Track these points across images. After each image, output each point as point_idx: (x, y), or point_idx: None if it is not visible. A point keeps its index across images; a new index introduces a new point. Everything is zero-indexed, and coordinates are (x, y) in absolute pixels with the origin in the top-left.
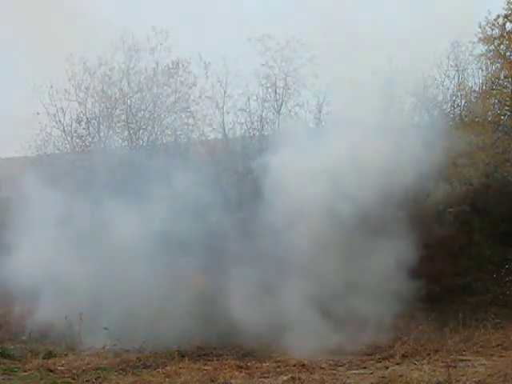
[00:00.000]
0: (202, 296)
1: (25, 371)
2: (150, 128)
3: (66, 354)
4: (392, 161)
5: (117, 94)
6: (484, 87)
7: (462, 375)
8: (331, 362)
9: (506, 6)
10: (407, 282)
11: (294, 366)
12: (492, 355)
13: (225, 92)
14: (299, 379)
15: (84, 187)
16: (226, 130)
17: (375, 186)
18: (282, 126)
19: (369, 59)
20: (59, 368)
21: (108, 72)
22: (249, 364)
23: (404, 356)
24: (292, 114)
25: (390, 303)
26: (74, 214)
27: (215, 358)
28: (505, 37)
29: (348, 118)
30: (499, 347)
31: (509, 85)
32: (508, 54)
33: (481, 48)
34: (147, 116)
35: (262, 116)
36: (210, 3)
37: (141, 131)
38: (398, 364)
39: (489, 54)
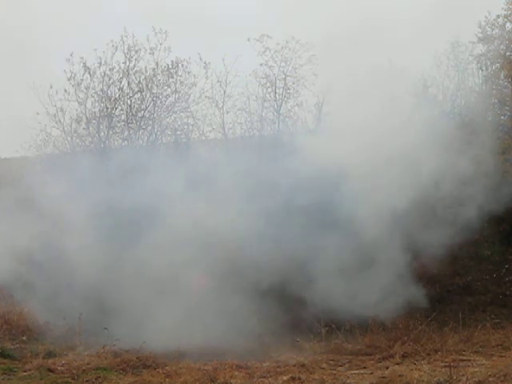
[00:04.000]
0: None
1: (25, 371)
2: (149, 128)
3: (66, 354)
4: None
5: (117, 94)
6: (484, 87)
7: (462, 375)
8: (331, 362)
9: (506, 7)
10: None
11: (294, 366)
12: (492, 355)
13: (224, 92)
14: (299, 379)
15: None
16: (226, 129)
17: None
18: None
19: (369, 59)
20: (59, 368)
21: (108, 72)
22: (249, 364)
23: (404, 356)
24: (292, 113)
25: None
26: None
27: (215, 358)
28: (505, 37)
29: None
30: (499, 347)
31: (509, 85)
32: (508, 53)
33: (481, 48)
34: (147, 116)
35: (261, 116)
36: (210, 3)
37: (141, 131)
38: (397, 364)
39: (489, 54)
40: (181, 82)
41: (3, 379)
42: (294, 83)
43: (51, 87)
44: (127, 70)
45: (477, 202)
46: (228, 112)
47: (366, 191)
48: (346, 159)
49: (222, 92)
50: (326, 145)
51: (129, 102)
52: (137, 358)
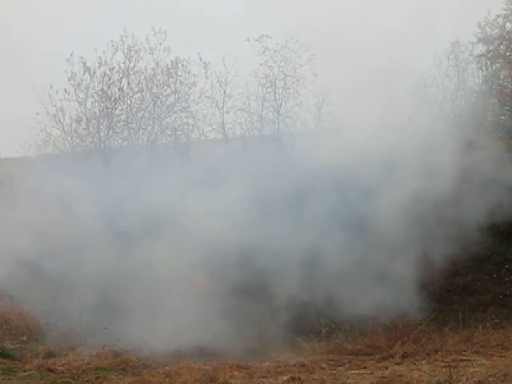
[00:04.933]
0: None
1: (25, 371)
2: (149, 128)
3: (66, 354)
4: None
5: (117, 94)
6: (484, 87)
7: (462, 375)
8: (331, 362)
9: (506, 7)
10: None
11: (294, 366)
12: (492, 355)
13: (224, 92)
14: (299, 379)
15: None
16: (226, 129)
17: (377, 188)
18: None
19: (368, 59)
20: (59, 368)
21: (108, 72)
22: (249, 364)
23: (404, 356)
24: (292, 113)
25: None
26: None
27: (215, 358)
28: (505, 37)
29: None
30: (499, 347)
31: (509, 85)
32: (508, 53)
33: (481, 48)
34: (147, 116)
35: (261, 116)
36: (210, 3)
37: (141, 131)
38: (397, 364)
39: (489, 54)
40: (181, 82)
41: (3, 379)
42: (293, 83)
43: (51, 87)
44: (127, 70)
45: (477, 201)
46: (228, 112)
47: (367, 191)
48: (347, 159)
49: (222, 92)
50: (327, 144)
51: (129, 101)
52: (137, 358)
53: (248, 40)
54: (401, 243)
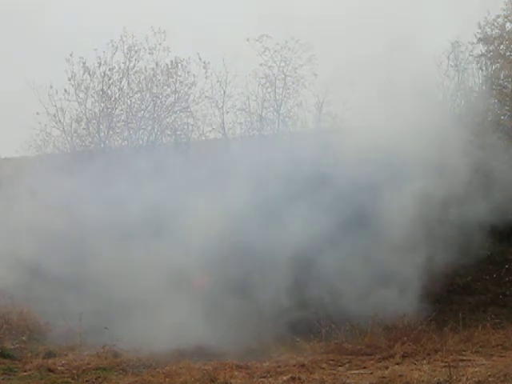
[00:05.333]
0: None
1: (25, 371)
2: (149, 128)
3: (66, 354)
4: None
5: (117, 94)
6: (484, 87)
7: (462, 375)
8: (331, 362)
9: (506, 7)
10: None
11: (294, 366)
12: (492, 355)
13: (224, 92)
14: (299, 379)
15: None
16: (226, 129)
17: (378, 188)
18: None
19: (368, 58)
20: (59, 368)
21: (108, 72)
22: (249, 364)
23: (404, 356)
24: (291, 113)
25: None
26: None
27: (215, 358)
28: (505, 37)
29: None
30: (499, 347)
31: (509, 85)
32: (508, 53)
33: (481, 48)
34: (147, 116)
35: (261, 116)
36: (209, 3)
37: (141, 131)
38: (397, 364)
39: (489, 54)
40: (180, 82)
41: (3, 379)
42: (293, 83)
43: (51, 87)
44: (127, 70)
45: (477, 202)
46: (228, 112)
47: (367, 191)
48: (347, 159)
49: (222, 92)
50: (327, 145)
51: (129, 101)
52: (137, 358)
53: (248, 40)
54: (401, 243)
